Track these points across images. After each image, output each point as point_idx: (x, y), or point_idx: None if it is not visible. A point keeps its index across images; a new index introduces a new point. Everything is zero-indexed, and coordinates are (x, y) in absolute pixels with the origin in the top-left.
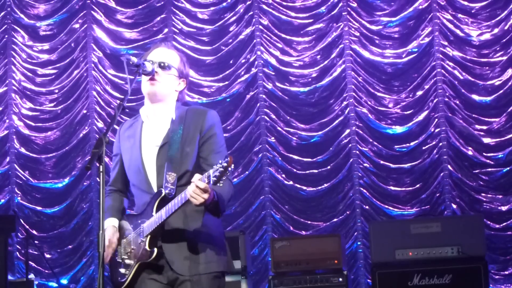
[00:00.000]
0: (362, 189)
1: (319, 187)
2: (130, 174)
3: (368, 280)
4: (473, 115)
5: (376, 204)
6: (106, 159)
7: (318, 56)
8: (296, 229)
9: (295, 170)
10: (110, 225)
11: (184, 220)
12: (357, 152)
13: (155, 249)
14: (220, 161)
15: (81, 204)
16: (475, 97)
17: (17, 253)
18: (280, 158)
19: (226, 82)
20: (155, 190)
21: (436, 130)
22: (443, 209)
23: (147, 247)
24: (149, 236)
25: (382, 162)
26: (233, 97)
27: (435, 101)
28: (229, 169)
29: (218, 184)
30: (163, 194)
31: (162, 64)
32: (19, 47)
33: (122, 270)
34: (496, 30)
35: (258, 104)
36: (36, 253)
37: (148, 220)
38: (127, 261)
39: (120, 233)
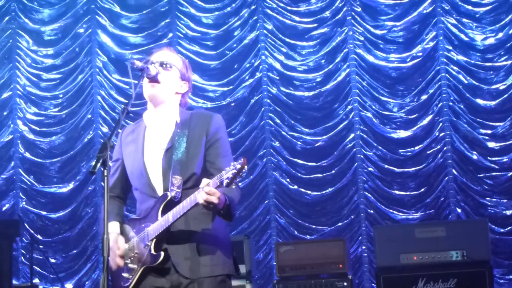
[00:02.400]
0: (366, 193)
1: (324, 192)
2: (132, 179)
3: (373, 284)
4: (478, 119)
5: (380, 208)
6: (111, 164)
7: (323, 61)
8: (300, 234)
9: (299, 174)
10: (113, 231)
11: (190, 223)
12: (362, 156)
13: (162, 253)
14: (233, 163)
15: (86, 208)
16: (480, 101)
17: (22, 257)
18: (284, 163)
19: (231, 87)
20: (160, 193)
21: (441, 134)
22: (447, 213)
23: (153, 251)
24: (154, 240)
25: (386, 166)
26: (238, 101)
27: (439, 105)
28: (243, 171)
29: (231, 186)
30: (168, 198)
31: (163, 64)
32: (24, 52)
33: (125, 275)
34: (500, 35)
35: (263, 109)
36: (40, 257)
37: (153, 224)
38: (131, 265)
39: (124, 237)
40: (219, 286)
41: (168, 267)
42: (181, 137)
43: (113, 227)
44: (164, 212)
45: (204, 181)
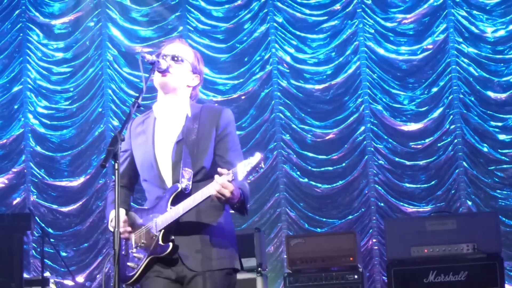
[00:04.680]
0: (377, 186)
1: (334, 185)
2: (142, 170)
3: (384, 277)
4: (488, 112)
5: (391, 201)
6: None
7: (333, 53)
8: (311, 227)
9: (310, 167)
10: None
11: (199, 215)
12: (372, 149)
13: (170, 244)
14: (249, 158)
15: (97, 202)
16: (490, 93)
17: (33, 251)
18: (295, 156)
19: (241, 80)
20: (169, 185)
21: (451, 127)
22: (458, 206)
23: (161, 241)
24: (162, 231)
25: (397, 159)
26: (248, 94)
27: (450, 97)
28: (260, 166)
29: (246, 181)
30: (179, 189)
31: (175, 57)
32: (34, 46)
33: (131, 264)
34: (511, 27)
35: (273, 102)
36: (51, 251)
37: (161, 215)
38: (137, 255)
39: (130, 221)
40: (225, 279)
41: (175, 258)
42: (191, 131)
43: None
44: (174, 203)
45: (219, 173)
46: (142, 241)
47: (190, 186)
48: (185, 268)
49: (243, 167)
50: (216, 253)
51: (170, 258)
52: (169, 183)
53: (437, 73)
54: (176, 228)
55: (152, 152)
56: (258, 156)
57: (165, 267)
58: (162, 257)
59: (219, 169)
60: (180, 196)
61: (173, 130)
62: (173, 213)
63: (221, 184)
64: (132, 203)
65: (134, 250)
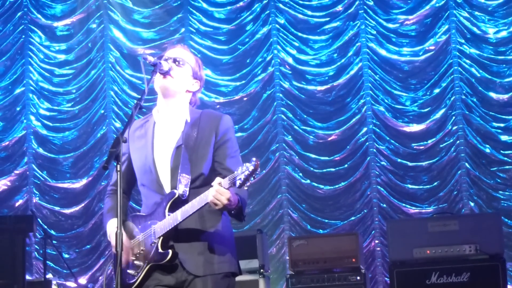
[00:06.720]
0: (379, 187)
1: (336, 186)
2: (140, 174)
3: (386, 278)
4: (490, 113)
5: (393, 202)
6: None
7: (335, 55)
8: (313, 228)
9: (312, 168)
10: (113, 230)
11: (198, 221)
12: (374, 150)
13: (170, 251)
14: (246, 164)
15: (99, 203)
16: (492, 94)
17: (35, 253)
18: (297, 157)
19: (243, 81)
20: (167, 191)
21: (454, 128)
22: (460, 207)
23: (160, 249)
24: (161, 238)
25: (399, 160)
26: (250, 96)
27: (452, 98)
28: (256, 172)
29: (243, 187)
30: (176, 196)
31: (176, 61)
32: (36, 48)
33: (131, 271)
34: None
35: (275, 103)
36: (54, 253)
37: (160, 222)
38: (136, 262)
39: (126, 234)
40: (223, 282)
41: (174, 264)
42: (190, 136)
43: (113, 224)
44: (171, 210)
45: (217, 179)
46: (141, 248)
47: (187, 193)
48: (185, 273)
49: (240, 173)
50: (216, 257)
51: (170, 265)
52: (167, 188)
53: (439, 74)
54: (175, 234)
55: (151, 156)
56: (255, 162)
57: (165, 274)
58: (161, 264)
59: (217, 178)
60: (177, 203)
61: (173, 135)
62: (171, 219)
63: (217, 190)
64: (132, 203)
65: (134, 257)
